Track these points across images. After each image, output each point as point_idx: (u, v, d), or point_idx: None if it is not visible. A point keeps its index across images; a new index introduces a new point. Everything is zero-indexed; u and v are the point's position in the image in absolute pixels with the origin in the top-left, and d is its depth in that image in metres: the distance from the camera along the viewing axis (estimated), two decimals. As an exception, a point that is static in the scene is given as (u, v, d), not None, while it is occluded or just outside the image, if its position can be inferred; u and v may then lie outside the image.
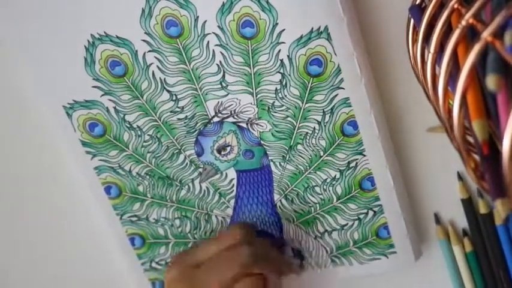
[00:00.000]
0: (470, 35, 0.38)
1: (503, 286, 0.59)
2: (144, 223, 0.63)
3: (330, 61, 0.51)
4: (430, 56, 0.41)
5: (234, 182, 0.60)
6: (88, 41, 0.54)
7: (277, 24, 0.51)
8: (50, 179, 0.65)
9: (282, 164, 0.58)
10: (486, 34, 0.34)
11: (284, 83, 0.53)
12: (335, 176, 0.57)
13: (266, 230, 0.62)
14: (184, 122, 0.57)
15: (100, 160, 0.60)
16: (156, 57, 0.54)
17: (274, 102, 0.54)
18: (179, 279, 0.56)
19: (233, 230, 0.58)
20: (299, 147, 0.56)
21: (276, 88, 0.54)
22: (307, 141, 0.56)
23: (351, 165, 0.56)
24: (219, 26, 0.52)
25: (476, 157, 0.37)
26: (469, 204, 0.58)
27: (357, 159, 0.56)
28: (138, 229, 0.64)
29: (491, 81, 0.32)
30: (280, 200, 0.60)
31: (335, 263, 0.62)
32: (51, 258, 0.70)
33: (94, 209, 0.64)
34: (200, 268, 0.56)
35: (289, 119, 0.55)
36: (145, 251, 0.65)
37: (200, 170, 0.60)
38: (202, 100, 0.56)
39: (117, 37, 0.54)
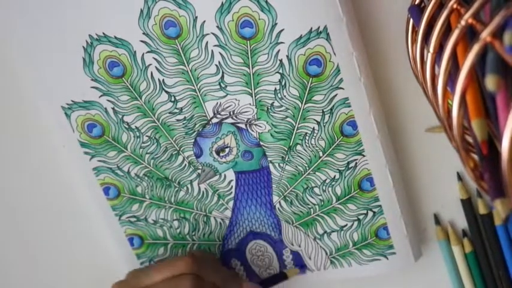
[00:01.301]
0: (470, 35, 0.38)
1: (503, 286, 0.59)
2: (143, 224, 0.63)
3: (329, 61, 0.51)
4: (430, 56, 0.41)
5: (233, 183, 0.60)
6: (86, 41, 0.54)
7: (276, 24, 0.51)
8: (49, 179, 0.65)
9: (281, 165, 0.58)
10: (485, 34, 0.34)
11: (283, 83, 0.53)
12: (334, 177, 0.57)
13: (265, 231, 0.62)
14: (183, 123, 0.57)
15: (99, 161, 0.60)
16: (154, 58, 0.54)
17: (273, 102, 0.54)
18: None
19: (181, 258, 0.58)
20: (298, 147, 0.56)
21: (275, 88, 0.54)
22: (307, 141, 0.56)
23: (350, 165, 0.56)
24: (217, 27, 0.52)
25: (476, 157, 0.37)
26: (468, 205, 0.58)
27: (356, 159, 0.56)
28: (137, 229, 0.64)
29: (490, 82, 0.32)
30: (279, 202, 0.60)
31: (334, 265, 0.62)
32: (49, 259, 0.70)
33: (92, 210, 0.64)
34: None
35: (288, 119, 0.55)
36: (144, 251, 0.65)
37: (199, 171, 0.60)
38: (201, 101, 0.56)
39: (116, 38, 0.54)
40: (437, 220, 0.60)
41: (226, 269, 0.63)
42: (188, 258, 0.58)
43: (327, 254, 0.61)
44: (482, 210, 0.57)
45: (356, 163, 0.56)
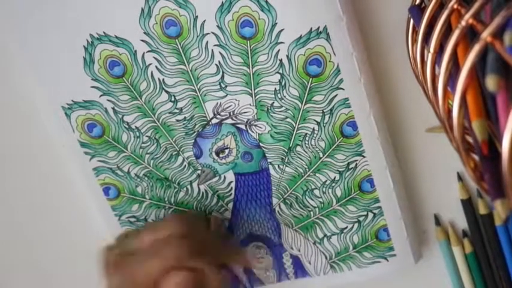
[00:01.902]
0: (470, 35, 0.38)
1: (503, 287, 0.58)
2: (143, 224, 0.63)
3: (329, 61, 0.51)
4: (430, 56, 0.41)
5: (233, 185, 0.60)
6: (87, 40, 0.54)
7: (276, 24, 0.51)
8: (49, 179, 0.65)
9: (281, 166, 0.58)
10: (486, 34, 0.34)
11: (283, 83, 0.53)
12: (334, 178, 0.57)
13: (264, 234, 0.62)
14: (183, 124, 0.57)
15: (99, 161, 0.60)
16: (155, 58, 0.54)
17: (273, 102, 0.54)
18: (113, 265, 0.55)
19: (171, 220, 0.57)
20: (298, 148, 0.56)
21: (275, 88, 0.54)
22: (307, 142, 0.56)
23: (350, 166, 0.56)
24: (218, 26, 0.52)
25: (476, 157, 0.37)
26: (469, 205, 0.58)
27: (356, 160, 0.56)
28: (137, 230, 0.64)
29: (490, 82, 0.32)
30: (279, 204, 0.60)
31: (334, 269, 0.62)
32: (49, 259, 0.70)
33: (92, 210, 0.63)
34: (134, 256, 0.54)
35: (288, 120, 0.55)
36: (144, 252, 0.65)
37: (198, 172, 0.59)
38: (201, 101, 0.56)
39: (116, 37, 0.54)
40: (437, 221, 0.60)
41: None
42: (178, 219, 0.57)
43: (326, 258, 0.61)
44: (482, 210, 0.57)
45: (356, 164, 0.56)
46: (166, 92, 0.56)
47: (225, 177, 0.59)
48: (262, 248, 0.63)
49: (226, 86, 0.54)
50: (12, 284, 0.72)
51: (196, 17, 0.52)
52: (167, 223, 0.57)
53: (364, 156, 0.55)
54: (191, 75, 0.54)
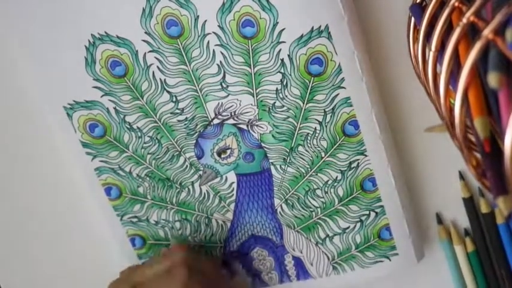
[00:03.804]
0: (471, 33, 0.38)
1: (505, 285, 0.58)
2: (145, 224, 0.63)
3: (331, 60, 0.51)
4: (431, 54, 0.41)
5: (234, 185, 0.60)
6: (89, 40, 0.54)
7: (277, 23, 0.51)
8: (50, 180, 0.65)
9: (283, 166, 0.58)
10: (487, 32, 0.34)
11: (285, 82, 0.53)
12: (336, 178, 0.57)
13: (266, 235, 0.62)
14: (185, 124, 0.57)
15: (100, 161, 0.60)
16: (156, 58, 0.54)
17: (274, 102, 0.54)
18: None
19: (171, 251, 0.59)
20: (300, 148, 0.56)
21: (277, 88, 0.54)
22: (308, 142, 0.56)
23: (352, 165, 0.56)
24: (219, 26, 0.52)
25: (478, 155, 0.37)
26: (470, 204, 0.58)
27: (358, 159, 0.56)
28: (139, 230, 0.64)
29: (492, 79, 0.32)
30: (281, 205, 0.60)
31: (337, 270, 0.62)
32: (51, 259, 0.70)
33: (94, 210, 0.64)
34: None
35: (290, 119, 0.55)
36: (146, 252, 0.65)
37: (200, 172, 0.59)
38: (203, 101, 0.56)
39: (118, 37, 0.54)
40: (439, 219, 0.60)
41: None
42: (179, 248, 0.59)
43: (329, 259, 0.61)
44: (484, 209, 0.57)
45: (358, 163, 0.56)
46: (168, 92, 0.56)
47: (226, 178, 0.59)
48: (265, 249, 0.63)
49: (227, 86, 0.54)
50: (12, 284, 0.72)
51: (198, 16, 0.52)
52: (170, 254, 0.59)
53: (366, 155, 0.55)
54: (192, 75, 0.54)
